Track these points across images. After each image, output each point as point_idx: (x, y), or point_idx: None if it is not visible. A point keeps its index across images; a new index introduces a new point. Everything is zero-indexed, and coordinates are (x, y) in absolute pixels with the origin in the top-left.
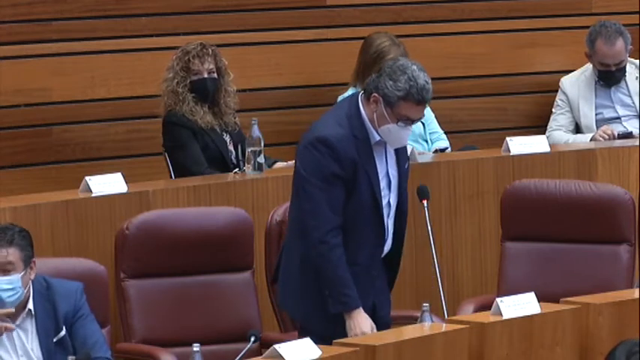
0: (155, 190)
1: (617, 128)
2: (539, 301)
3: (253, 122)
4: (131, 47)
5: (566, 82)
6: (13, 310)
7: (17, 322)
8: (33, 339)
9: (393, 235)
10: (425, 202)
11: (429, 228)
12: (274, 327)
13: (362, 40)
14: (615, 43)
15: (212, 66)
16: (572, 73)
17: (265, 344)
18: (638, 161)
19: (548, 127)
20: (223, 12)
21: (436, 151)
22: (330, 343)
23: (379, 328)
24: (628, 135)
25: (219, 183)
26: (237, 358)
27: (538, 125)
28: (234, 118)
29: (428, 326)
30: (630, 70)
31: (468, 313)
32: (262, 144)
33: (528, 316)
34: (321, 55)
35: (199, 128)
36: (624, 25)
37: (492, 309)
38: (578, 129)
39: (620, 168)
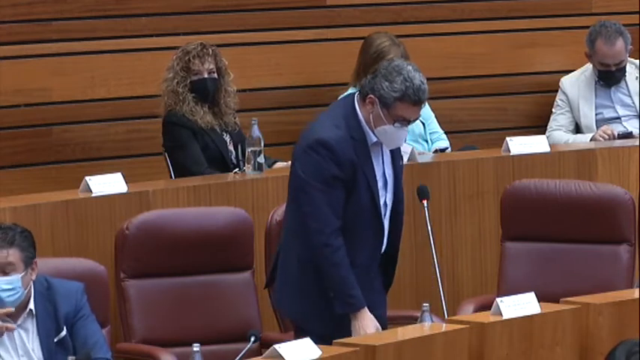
0: (155, 190)
1: (617, 128)
2: (539, 301)
3: (253, 122)
4: (131, 47)
5: (566, 82)
6: (12, 309)
7: (18, 322)
8: (34, 339)
9: (388, 235)
10: (425, 202)
11: (429, 228)
12: (274, 327)
13: (362, 40)
14: (615, 43)
15: (212, 66)
16: (572, 73)
17: (265, 344)
18: (638, 161)
19: (548, 127)
20: (223, 12)
21: (436, 151)
22: (329, 344)
23: None
24: (628, 135)
25: (219, 183)
26: (237, 358)
27: (538, 125)
28: (234, 118)
29: (428, 326)
30: (630, 70)
31: (468, 313)
32: (262, 144)
33: (528, 316)
34: (321, 55)
35: (199, 128)
36: (624, 25)
37: (492, 309)
38: (578, 129)
39: (620, 168)
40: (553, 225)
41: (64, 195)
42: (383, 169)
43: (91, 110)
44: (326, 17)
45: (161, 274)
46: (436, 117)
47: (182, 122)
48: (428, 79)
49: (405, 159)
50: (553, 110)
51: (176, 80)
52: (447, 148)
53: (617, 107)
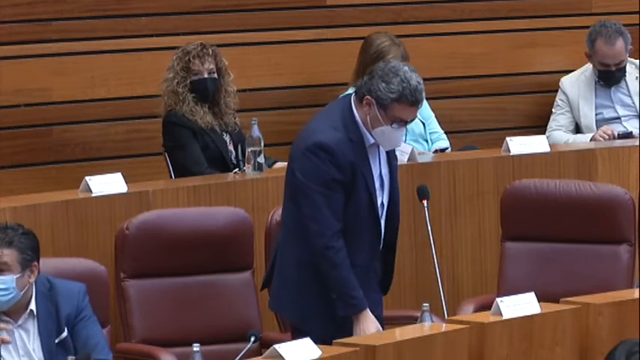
0: (155, 190)
1: (617, 128)
2: (539, 301)
3: (253, 122)
4: (131, 47)
5: (566, 82)
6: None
7: (19, 323)
8: (34, 339)
9: (384, 235)
10: (425, 202)
11: (429, 228)
12: (274, 327)
13: (362, 40)
14: (615, 43)
15: (212, 66)
16: (572, 73)
17: (265, 344)
18: (638, 161)
19: (548, 127)
20: (223, 12)
21: (436, 151)
22: (328, 344)
23: None
24: (628, 135)
25: (219, 183)
26: (237, 358)
27: (538, 125)
28: (234, 118)
29: (428, 326)
30: (630, 70)
31: (468, 313)
32: (262, 144)
33: (528, 316)
34: (321, 55)
35: (199, 128)
36: (624, 25)
37: (492, 309)
38: (578, 129)
39: (620, 168)
40: (553, 225)
41: (64, 195)
42: (380, 169)
43: (91, 110)
44: (326, 17)
45: (161, 274)
46: (436, 117)
47: (182, 122)
48: (428, 79)
49: (405, 159)
50: (553, 110)
51: (176, 80)
52: (447, 148)
53: (617, 107)
